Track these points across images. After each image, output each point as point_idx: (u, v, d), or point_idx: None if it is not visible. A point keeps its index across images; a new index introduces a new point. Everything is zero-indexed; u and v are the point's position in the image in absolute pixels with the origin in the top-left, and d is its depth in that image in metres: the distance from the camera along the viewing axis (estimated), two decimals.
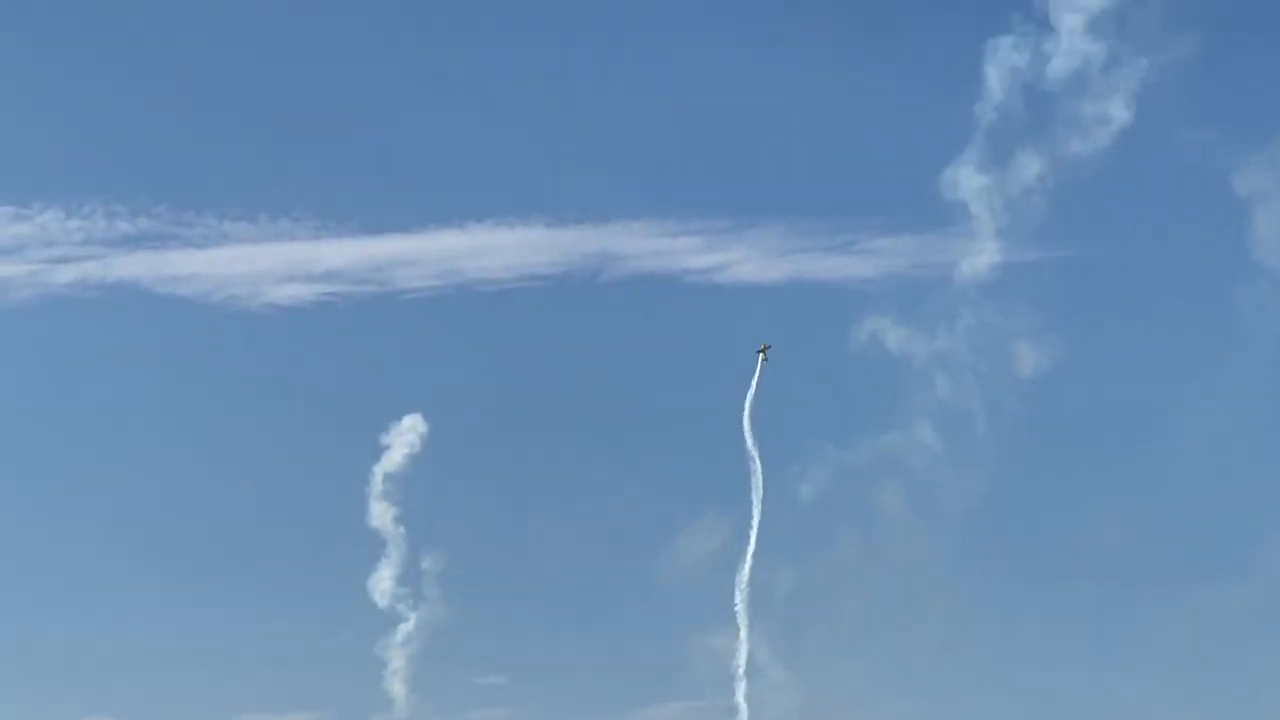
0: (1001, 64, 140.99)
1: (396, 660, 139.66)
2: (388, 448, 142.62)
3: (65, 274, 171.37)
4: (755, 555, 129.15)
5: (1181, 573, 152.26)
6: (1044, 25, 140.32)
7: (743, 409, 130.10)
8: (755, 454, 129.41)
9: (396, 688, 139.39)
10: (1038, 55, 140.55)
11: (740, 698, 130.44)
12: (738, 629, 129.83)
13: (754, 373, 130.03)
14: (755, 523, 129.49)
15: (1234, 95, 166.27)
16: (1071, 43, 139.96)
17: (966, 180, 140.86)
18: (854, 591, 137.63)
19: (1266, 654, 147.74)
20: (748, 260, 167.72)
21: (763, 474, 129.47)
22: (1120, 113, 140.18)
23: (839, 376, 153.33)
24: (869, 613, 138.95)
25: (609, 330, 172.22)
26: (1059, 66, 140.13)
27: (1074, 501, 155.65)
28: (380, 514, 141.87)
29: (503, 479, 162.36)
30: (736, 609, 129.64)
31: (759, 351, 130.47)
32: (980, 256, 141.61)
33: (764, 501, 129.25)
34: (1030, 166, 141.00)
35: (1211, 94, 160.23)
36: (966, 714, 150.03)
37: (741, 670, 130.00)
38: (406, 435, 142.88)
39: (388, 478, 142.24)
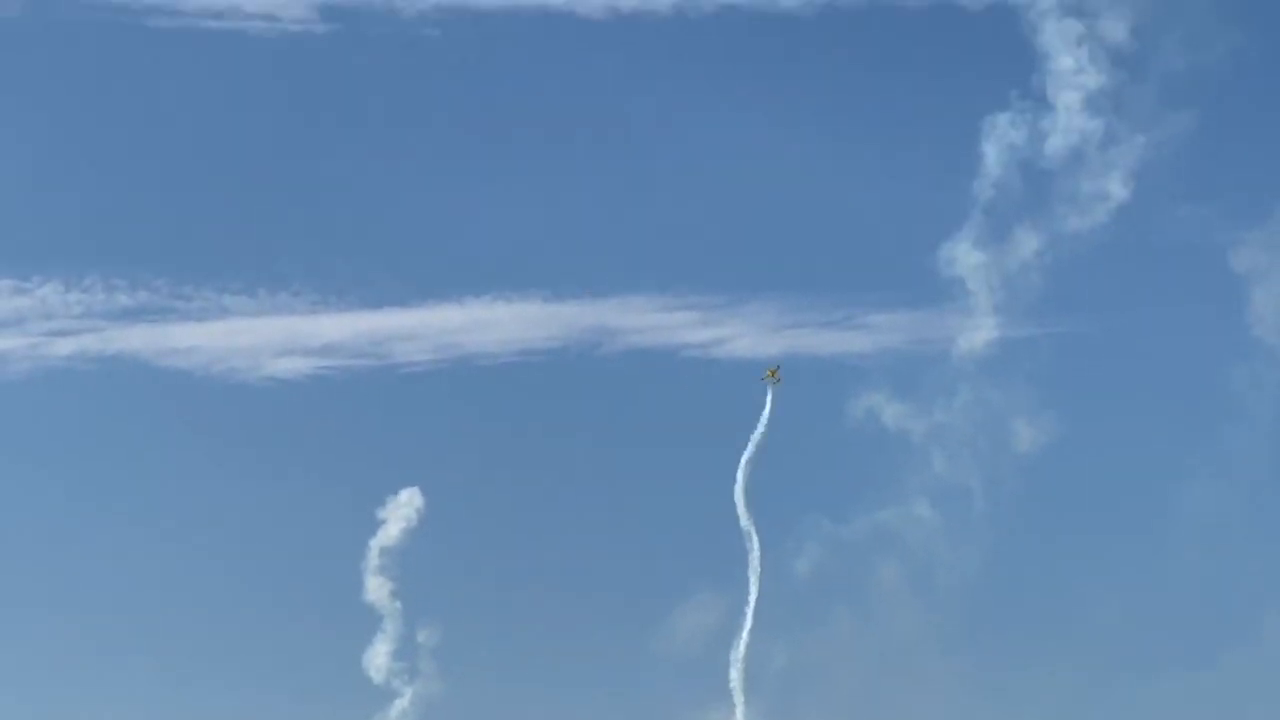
0: (999, 141, 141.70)
1: None
2: (384, 522, 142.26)
3: (64, 347, 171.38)
4: (750, 631, 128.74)
5: (1179, 651, 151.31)
6: (1042, 102, 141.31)
7: (746, 479, 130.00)
8: (750, 524, 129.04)
9: None
10: (1035, 132, 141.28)
11: None
12: (733, 705, 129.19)
13: (762, 410, 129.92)
14: (752, 599, 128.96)
15: (1231, 172, 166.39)
16: (1069, 120, 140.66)
17: (964, 256, 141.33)
18: (850, 668, 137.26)
19: None
20: (744, 335, 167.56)
21: (759, 549, 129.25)
22: (1118, 189, 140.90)
23: (835, 452, 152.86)
24: (865, 689, 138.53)
25: (606, 405, 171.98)
26: (1057, 143, 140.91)
27: (1071, 579, 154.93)
28: (376, 588, 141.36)
29: (499, 554, 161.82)
30: (732, 685, 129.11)
31: (764, 379, 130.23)
32: (977, 333, 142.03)
33: (760, 577, 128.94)
34: (1028, 243, 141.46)
35: (1209, 171, 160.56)
36: None
37: None
38: (403, 509, 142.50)
39: (384, 552, 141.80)
